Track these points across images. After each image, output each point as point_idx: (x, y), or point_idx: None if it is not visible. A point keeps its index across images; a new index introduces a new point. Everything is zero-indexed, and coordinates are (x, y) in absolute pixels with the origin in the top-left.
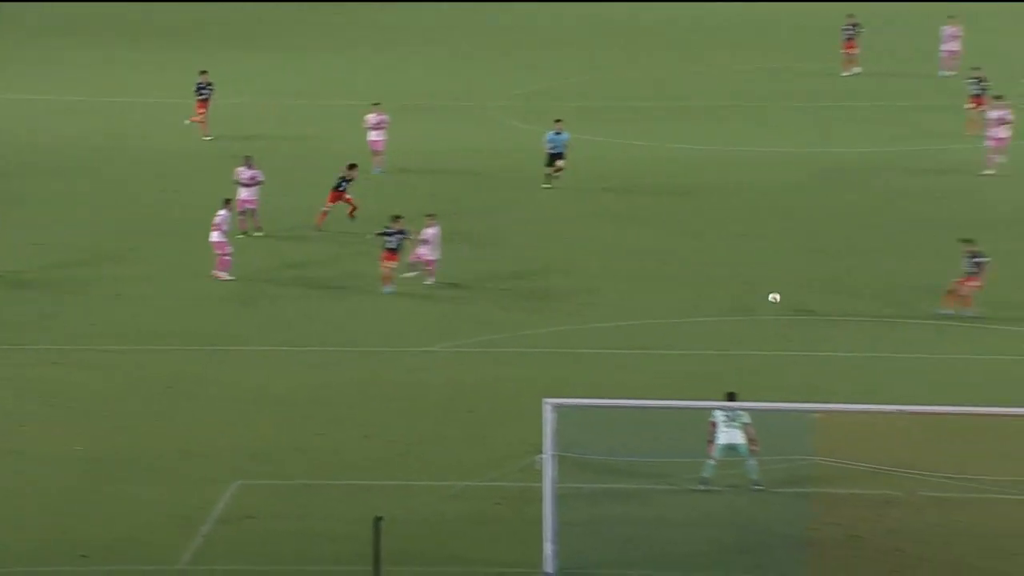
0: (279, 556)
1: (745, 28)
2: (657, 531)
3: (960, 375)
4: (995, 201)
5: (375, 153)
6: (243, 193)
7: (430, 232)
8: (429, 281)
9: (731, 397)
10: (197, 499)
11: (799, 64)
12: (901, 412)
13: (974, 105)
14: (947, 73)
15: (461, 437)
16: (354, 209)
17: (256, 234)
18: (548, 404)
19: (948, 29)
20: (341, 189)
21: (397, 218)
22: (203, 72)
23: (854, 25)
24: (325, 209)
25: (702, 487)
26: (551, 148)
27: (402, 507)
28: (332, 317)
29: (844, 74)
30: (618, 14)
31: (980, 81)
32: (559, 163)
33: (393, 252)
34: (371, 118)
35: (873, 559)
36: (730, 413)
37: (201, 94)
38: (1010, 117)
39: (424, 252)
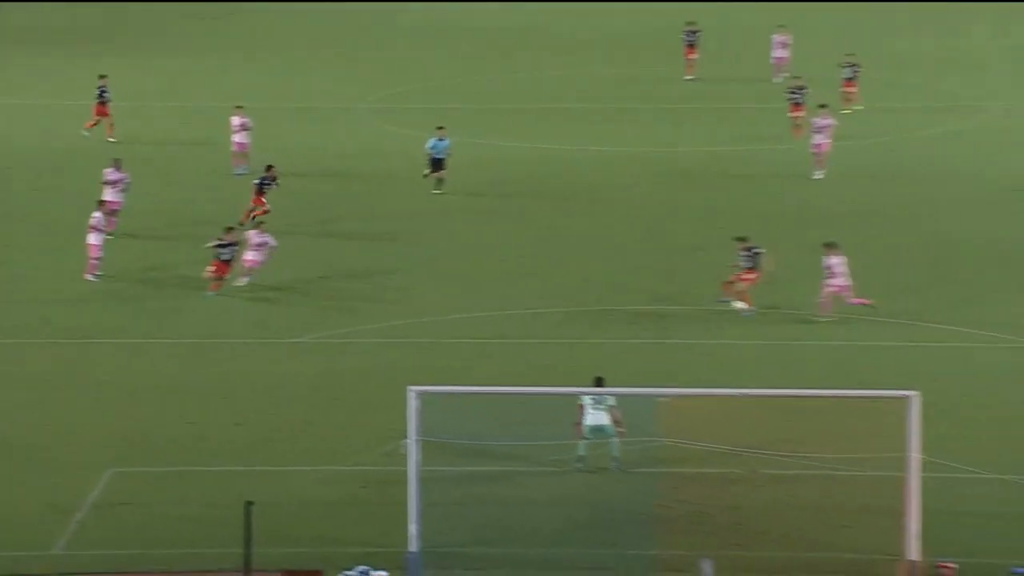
0: (152, 540)
1: (595, 32)
2: (516, 510)
3: (791, 361)
4: (825, 198)
5: (239, 155)
6: (108, 194)
7: (257, 239)
8: (242, 283)
9: (599, 382)
10: (71, 486)
11: (646, 68)
12: (743, 395)
13: (795, 113)
14: (779, 79)
15: (329, 424)
16: (259, 212)
17: (107, 236)
18: (412, 391)
19: (777, 37)
20: (262, 191)
21: (230, 229)
22: (102, 76)
23: (694, 32)
24: (250, 208)
25: (579, 465)
26: (434, 153)
27: (272, 491)
28: (201, 312)
29: (687, 78)
30: (480, 18)
31: (800, 89)
32: (440, 173)
33: (226, 263)
34: (235, 120)
35: (716, 533)
36: (597, 396)
37: (102, 98)
38: (833, 125)
39: (250, 256)
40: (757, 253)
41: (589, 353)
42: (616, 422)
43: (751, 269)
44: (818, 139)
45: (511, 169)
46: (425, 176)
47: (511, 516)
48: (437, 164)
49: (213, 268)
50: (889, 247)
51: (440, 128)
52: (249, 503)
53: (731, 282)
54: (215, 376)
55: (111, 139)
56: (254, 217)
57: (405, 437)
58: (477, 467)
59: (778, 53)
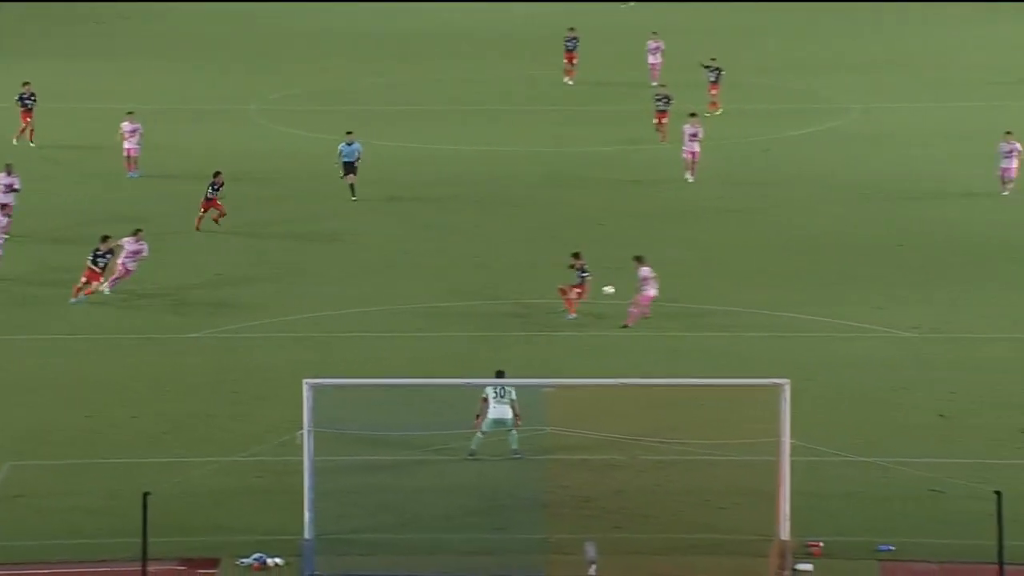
0: (50, 532)
1: (476, 37)
2: (409, 498)
3: (669, 352)
4: (699, 197)
5: (131, 160)
6: (1, 197)
7: (132, 247)
8: (105, 290)
9: (500, 375)
10: None
11: (528, 71)
12: (624, 385)
13: (659, 120)
14: (656, 83)
15: (226, 416)
16: (221, 215)
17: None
18: (307, 384)
19: (651, 43)
20: (211, 197)
21: (106, 238)
22: (26, 83)
23: (575, 38)
24: (200, 215)
25: (470, 457)
26: (345, 157)
27: (170, 482)
28: (98, 308)
29: (568, 82)
30: (370, 22)
31: (665, 99)
32: (351, 177)
33: (98, 272)
34: (126, 126)
35: (600, 517)
36: (500, 390)
37: (25, 104)
38: (701, 133)
39: (122, 262)
40: (584, 276)
41: (477, 346)
42: (516, 415)
43: (580, 285)
44: (690, 146)
45: (402, 168)
46: (341, 179)
47: (403, 503)
48: (348, 168)
49: (85, 276)
50: (760, 244)
51: (349, 132)
52: (146, 494)
53: (564, 291)
54: (111, 371)
55: (15, 142)
56: (216, 220)
57: (300, 428)
58: (370, 456)
59: (651, 59)
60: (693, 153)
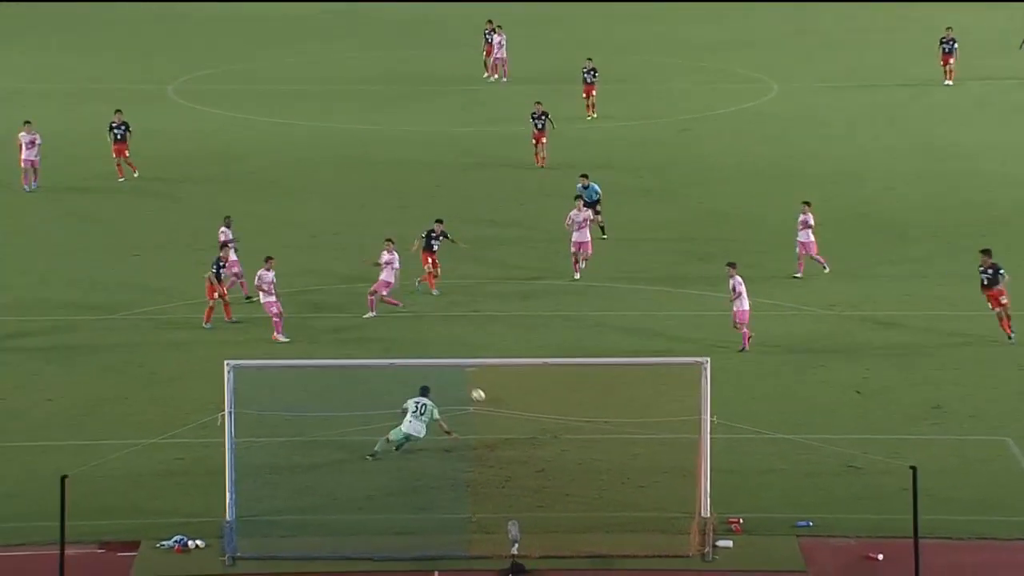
0: None
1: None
2: (331, 479)
3: (594, 330)
4: (615, 178)
5: (29, 171)
6: None
7: (385, 256)
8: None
9: (424, 391)
10: None
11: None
12: (547, 364)
13: (536, 140)
14: (493, 78)
15: (145, 398)
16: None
17: None
18: (228, 365)
19: (496, 37)
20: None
21: (225, 245)
22: (117, 111)
23: (493, 30)
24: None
25: (370, 458)
26: (585, 199)
27: (88, 465)
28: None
29: (492, 78)
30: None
31: (542, 116)
32: (598, 218)
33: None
34: (24, 136)
35: (523, 496)
36: (421, 407)
37: (115, 135)
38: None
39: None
40: (998, 275)
41: (401, 323)
42: (446, 431)
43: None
44: (580, 235)
45: (261, 146)
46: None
47: (326, 484)
48: (593, 209)
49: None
50: (675, 222)
51: (584, 176)
52: (64, 477)
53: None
54: (27, 352)
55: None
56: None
57: (221, 409)
58: (292, 437)
59: (498, 54)
60: (581, 245)
